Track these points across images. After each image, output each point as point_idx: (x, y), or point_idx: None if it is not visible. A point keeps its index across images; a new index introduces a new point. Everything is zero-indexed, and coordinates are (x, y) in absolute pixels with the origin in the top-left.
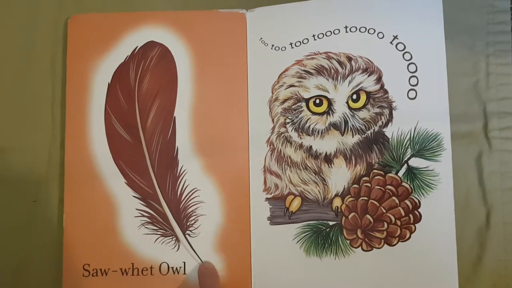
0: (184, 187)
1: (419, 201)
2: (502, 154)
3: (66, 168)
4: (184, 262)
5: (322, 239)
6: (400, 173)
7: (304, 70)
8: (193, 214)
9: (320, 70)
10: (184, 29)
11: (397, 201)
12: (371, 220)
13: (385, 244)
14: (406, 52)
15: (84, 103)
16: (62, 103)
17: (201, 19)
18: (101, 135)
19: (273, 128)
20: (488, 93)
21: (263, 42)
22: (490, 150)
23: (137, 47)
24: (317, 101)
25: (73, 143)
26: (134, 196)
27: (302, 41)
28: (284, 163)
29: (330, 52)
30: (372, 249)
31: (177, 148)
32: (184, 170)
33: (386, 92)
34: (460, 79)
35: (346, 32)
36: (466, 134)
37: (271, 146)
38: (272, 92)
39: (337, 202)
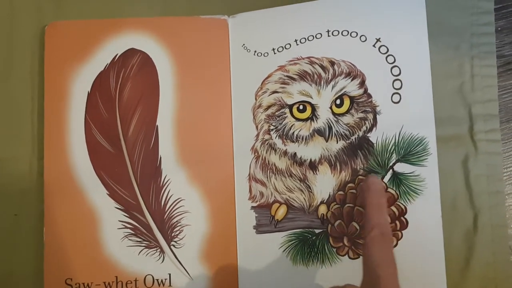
0: (168, 197)
1: (405, 207)
2: (488, 157)
3: (45, 180)
4: (170, 274)
5: (308, 247)
6: (386, 179)
7: (287, 76)
8: (177, 225)
9: (303, 76)
10: (165, 36)
11: None
12: (357, 227)
13: None
14: (389, 55)
15: (63, 112)
16: (42, 113)
17: (183, 26)
18: (81, 146)
19: (257, 135)
20: (473, 96)
21: (245, 48)
22: (476, 153)
23: (117, 54)
24: (301, 107)
25: (53, 154)
26: (116, 208)
27: (285, 46)
28: (269, 171)
29: (312, 57)
30: (359, 257)
31: (160, 157)
32: (168, 180)
33: (369, 96)
34: (445, 81)
35: (329, 36)
36: (452, 137)
37: (256, 154)
38: (256, 99)
39: (322, 210)
